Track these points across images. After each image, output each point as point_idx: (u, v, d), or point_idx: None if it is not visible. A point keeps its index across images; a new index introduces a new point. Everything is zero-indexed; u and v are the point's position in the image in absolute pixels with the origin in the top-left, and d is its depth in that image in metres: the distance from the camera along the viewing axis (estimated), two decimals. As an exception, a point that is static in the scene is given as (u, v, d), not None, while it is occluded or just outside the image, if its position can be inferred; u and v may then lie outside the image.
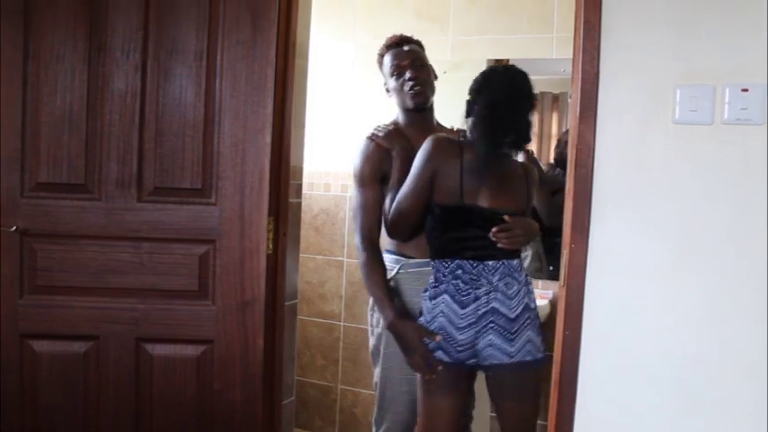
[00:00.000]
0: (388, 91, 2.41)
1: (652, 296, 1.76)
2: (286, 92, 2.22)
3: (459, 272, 2.09)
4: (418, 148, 2.19)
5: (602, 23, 1.76)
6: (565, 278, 1.83)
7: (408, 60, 2.33)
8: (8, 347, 2.11)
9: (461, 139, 2.16)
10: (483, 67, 2.75)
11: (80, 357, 2.13)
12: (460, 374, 2.15)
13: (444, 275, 2.11)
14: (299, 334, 2.85)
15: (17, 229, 2.09)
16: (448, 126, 2.44)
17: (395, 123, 2.40)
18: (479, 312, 2.06)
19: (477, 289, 2.07)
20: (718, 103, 1.68)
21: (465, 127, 2.18)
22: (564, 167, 2.40)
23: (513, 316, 2.07)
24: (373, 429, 2.42)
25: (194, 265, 2.13)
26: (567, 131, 2.93)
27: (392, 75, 2.36)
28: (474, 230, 2.10)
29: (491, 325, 2.06)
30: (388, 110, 3.15)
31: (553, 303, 2.87)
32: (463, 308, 2.07)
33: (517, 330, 2.07)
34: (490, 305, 2.06)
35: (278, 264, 2.24)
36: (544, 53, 2.92)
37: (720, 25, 1.68)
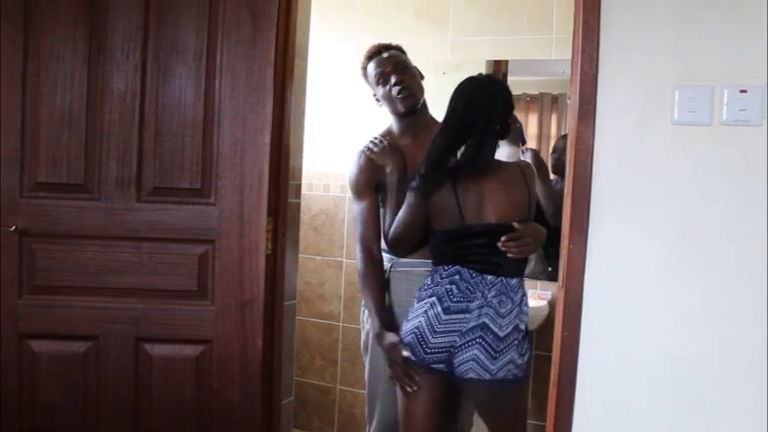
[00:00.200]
0: (378, 101, 2.42)
1: (651, 297, 1.76)
2: (285, 92, 2.22)
3: (457, 277, 2.09)
4: (416, 153, 2.22)
5: (601, 24, 1.76)
6: (563, 279, 1.83)
7: (390, 66, 2.34)
8: (7, 347, 2.11)
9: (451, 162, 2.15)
10: (483, 68, 2.77)
11: (79, 357, 2.13)
12: (434, 379, 2.15)
13: (441, 277, 2.11)
14: (297, 334, 2.85)
15: (17, 228, 2.09)
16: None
17: (389, 133, 2.41)
18: (469, 325, 2.06)
19: (470, 301, 2.07)
20: (716, 104, 1.68)
21: None
22: (562, 175, 2.40)
23: (502, 335, 2.05)
24: (367, 426, 2.45)
25: (193, 265, 2.13)
26: (563, 137, 2.93)
27: (377, 83, 2.37)
28: (478, 241, 2.10)
29: (478, 340, 2.05)
30: (388, 111, 3.16)
31: (552, 304, 2.87)
32: (447, 314, 2.07)
33: (503, 349, 2.05)
34: (481, 320, 2.06)
35: (277, 264, 2.24)
36: (543, 54, 2.92)
37: (719, 26, 1.68)
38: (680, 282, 1.73)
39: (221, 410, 2.15)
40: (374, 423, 2.39)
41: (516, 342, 2.07)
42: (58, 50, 2.07)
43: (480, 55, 3.02)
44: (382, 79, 2.35)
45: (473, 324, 2.05)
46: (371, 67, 2.38)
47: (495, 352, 2.04)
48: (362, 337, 2.45)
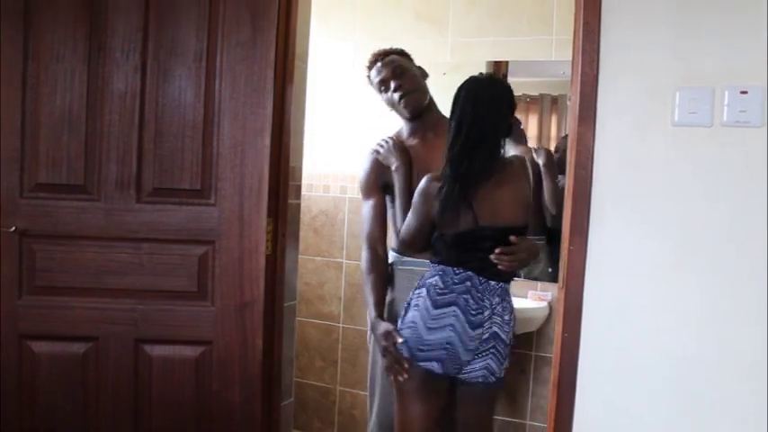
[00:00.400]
0: (389, 106, 2.42)
1: (651, 297, 1.76)
2: (286, 93, 2.23)
3: (468, 283, 2.08)
4: (424, 153, 2.24)
5: (602, 25, 1.76)
6: (564, 280, 1.83)
7: (389, 72, 2.35)
8: (7, 348, 2.11)
9: None
10: (483, 69, 2.77)
11: (79, 358, 2.13)
12: (443, 384, 2.15)
13: (455, 283, 2.08)
14: (297, 335, 2.85)
15: (16, 229, 2.09)
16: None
17: (397, 135, 2.42)
18: (484, 337, 2.08)
19: (482, 312, 2.07)
20: (717, 106, 1.68)
21: None
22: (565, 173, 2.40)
23: (507, 341, 2.13)
24: (369, 421, 2.48)
25: (193, 266, 2.13)
26: (564, 137, 2.93)
27: (380, 91, 2.39)
28: (486, 244, 2.08)
29: (492, 350, 2.09)
30: (387, 111, 3.16)
31: (552, 305, 2.87)
32: (473, 328, 2.06)
33: (508, 354, 2.14)
34: (492, 329, 2.08)
35: (277, 265, 2.24)
36: (543, 55, 2.92)
37: (719, 27, 1.68)
38: (680, 282, 1.73)
39: (221, 411, 2.15)
40: (372, 417, 2.41)
41: (511, 344, 2.15)
42: (57, 51, 2.07)
43: (480, 56, 3.02)
44: (383, 86, 2.37)
45: (486, 335, 2.08)
46: (372, 75, 2.40)
47: (504, 358, 2.12)
48: (368, 332, 2.46)
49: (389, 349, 2.13)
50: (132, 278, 2.12)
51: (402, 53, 2.43)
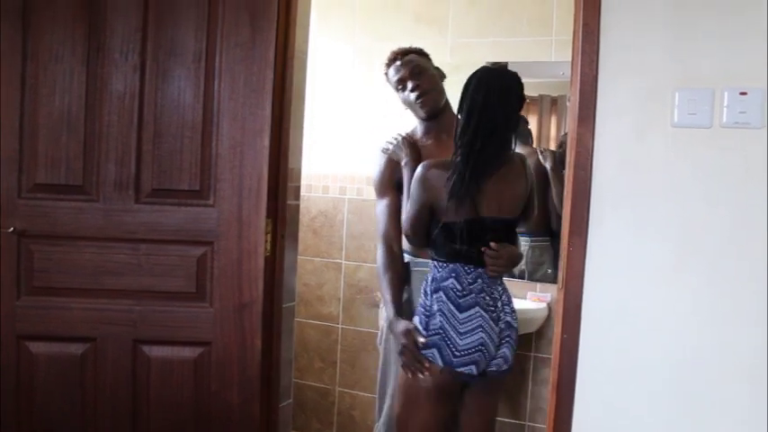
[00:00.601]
0: (404, 105, 2.42)
1: (651, 298, 1.75)
2: (285, 94, 2.22)
3: (481, 281, 2.07)
4: (437, 153, 2.23)
5: (601, 26, 1.76)
6: (563, 281, 1.83)
7: (407, 71, 2.34)
8: (5, 349, 2.11)
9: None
10: (484, 65, 2.75)
11: (77, 359, 2.12)
12: (456, 387, 2.13)
13: (470, 283, 2.06)
14: (296, 336, 2.84)
15: (15, 230, 2.08)
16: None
17: (411, 134, 2.42)
18: (502, 327, 2.09)
19: (496, 304, 2.08)
20: (716, 107, 1.68)
21: None
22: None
23: (517, 327, 2.15)
24: (376, 421, 2.46)
25: (192, 267, 2.12)
26: (566, 134, 2.93)
27: (397, 90, 2.39)
28: (488, 236, 2.08)
29: (507, 339, 2.10)
30: (386, 112, 3.16)
31: (551, 306, 2.86)
32: (496, 324, 2.07)
33: (516, 340, 2.14)
34: (505, 318, 2.09)
35: (276, 266, 2.24)
36: (543, 56, 2.92)
37: (719, 29, 1.68)
38: (680, 283, 1.73)
39: (220, 412, 2.15)
40: (382, 419, 2.38)
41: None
42: (56, 51, 2.07)
43: (480, 57, 3.01)
44: (400, 85, 2.36)
45: (502, 326, 2.08)
46: (391, 73, 2.40)
47: (514, 344, 2.14)
48: (379, 334, 2.46)
49: (409, 347, 2.08)
50: (131, 279, 2.12)
51: (421, 53, 2.43)
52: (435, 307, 2.07)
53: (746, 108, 1.65)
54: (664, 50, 1.72)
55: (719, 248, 1.70)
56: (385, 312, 2.30)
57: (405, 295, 2.31)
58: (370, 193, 3.20)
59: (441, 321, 2.05)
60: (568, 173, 1.83)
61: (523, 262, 2.83)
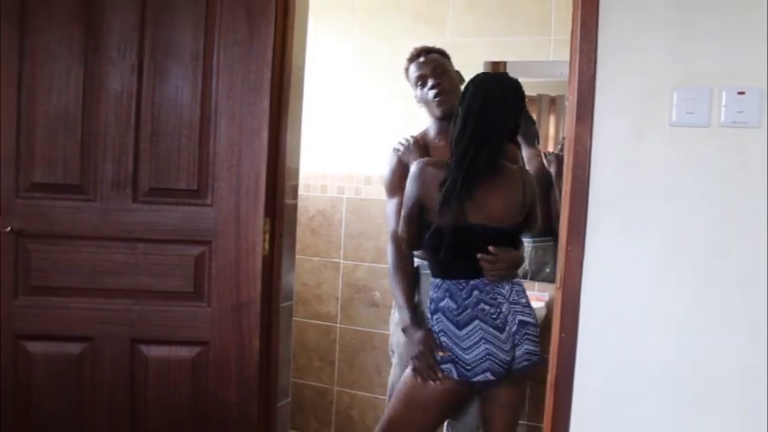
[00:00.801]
0: (418, 102, 2.44)
1: (649, 297, 1.75)
2: (283, 92, 2.21)
3: (477, 293, 2.07)
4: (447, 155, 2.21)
5: (599, 25, 1.75)
6: (561, 280, 1.83)
7: (429, 69, 2.36)
8: (3, 349, 2.10)
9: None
10: (481, 69, 2.76)
11: (75, 359, 2.12)
12: (462, 398, 2.15)
13: (465, 299, 2.07)
14: (295, 336, 2.84)
15: (12, 229, 2.08)
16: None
17: (424, 134, 2.44)
18: (513, 330, 2.08)
19: (500, 309, 2.07)
20: (714, 106, 1.68)
21: None
22: None
23: (534, 322, 2.14)
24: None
25: (190, 267, 2.12)
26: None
27: (416, 85, 2.41)
28: (476, 247, 2.08)
29: (526, 336, 2.10)
30: (385, 111, 3.16)
31: (549, 306, 2.86)
32: (501, 332, 2.06)
33: (538, 333, 2.14)
34: (516, 318, 2.09)
35: (274, 265, 2.23)
36: (542, 55, 2.92)
37: (717, 28, 1.68)
38: (678, 282, 1.73)
39: (218, 412, 2.14)
40: None
41: (540, 321, 2.19)
42: (53, 50, 2.06)
43: (478, 56, 3.01)
44: (420, 82, 2.38)
45: (515, 327, 2.08)
46: (412, 69, 2.42)
47: (536, 338, 2.14)
48: (390, 338, 2.48)
49: (426, 354, 2.08)
50: (128, 278, 2.12)
51: (443, 53, 2.45)
52: (437, 328, 2.09)
53: (744, 107, 1.65)
54: (662, 50, 1.72)
55: (717, 247, 1.69)
56: (398, 316, 2.31)
57: (416, 297, 2.32)
58: (369, 192, 3.21)
59: (446, 341, 2.06)
60: (566, 172, 1.83)
61: (527, 262, 2.83)
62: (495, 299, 2.08)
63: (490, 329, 2.05)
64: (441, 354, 2.06)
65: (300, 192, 2.56)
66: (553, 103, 3.05)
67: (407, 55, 2.44)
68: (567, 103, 2.10)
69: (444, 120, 2.36)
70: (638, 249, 1.75)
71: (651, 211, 1.74)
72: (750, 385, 1.67)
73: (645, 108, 1.74)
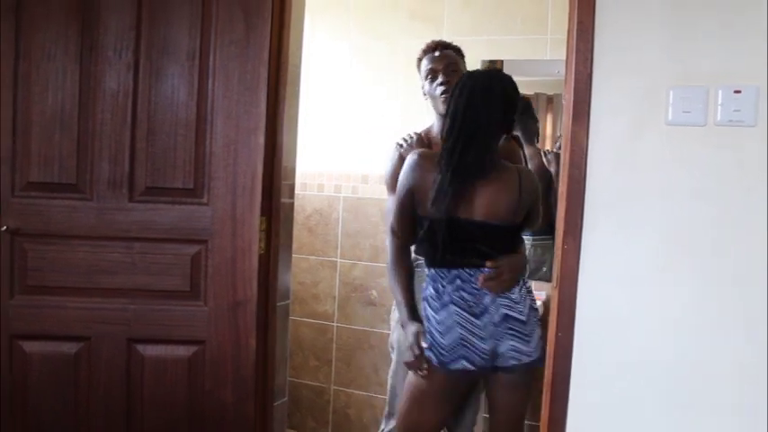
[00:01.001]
0: (425, 95, 2.45)
1: (645, 296, 1.75)
2: (279, 92, 2.22)
3: (459, 282, 2.08)
4: None
5: (596, 25, 1.75)
6: (557, 279, 1.83)
7: (442, 65, 2.37)
8: (-1, 348, 2.10)
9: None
10: (477, 68, 2.76)
11: (71, 358, 2.12)
12: (463, 384, 2.15)
13: (443, 286, 2.09)
14: (291, 335, 2.84)
15: (8, 228, 2.08)
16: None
17: (428, 131, 2.45)
18: (495, 321, 2.07)
19: (481, 300, 2.07)
20: (711, 105, 1.68)
21: None
22: None
23: (524, 318, 2.09)
24: (382, 424, 2.48)
25: (186, 266, 2.12)
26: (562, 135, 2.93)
27: (426, 78, 2.41)
28: (470, 241, 2.08)
29: (510, 331, 2.07)
30: (382, 110, 3.16)
31: (546, 305, 2.86)
32: (478, 318, 2.06)
33: (530, 331, 2.09)
34: (500, 312, 2.07)
35: (270, 264, 2.23)
36: (538, 54, 2.92)
37: (714, 27, 1.68)
38: (674, 282, 1.73)
39: (214, 411, 2.14)
40: (392, 422, 2.41)
41: (537, 320, 2.12)
42: (49, 49, 2.06)
43: (475, 55, 3.01)
44: (431, 75, 2.39)
45: (497, 319, 2.06)
46: (425, 61, 2.42)
47: (527, 336, 2.09)
48: (391, 336, 2.48)
49: (413, 345, 2.12)
50: (124, 277, 2.11)
51: (459, 51, 2.46)
52: (423, 314, 2.13)
53: (740, 106, 1.65)
54: (659, 49, 1.72)
55: (713, 245, 1.70)
56: (397, 314, 2.32)
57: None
58: (366, 191, 3.21)
59: (428, 326, 2.10)
60: (563, 171, 1.83)
61: (526, 262, 2.83)
62: (479, 289, 2.07)
63: (465, 314, 2.05)
64: (424, 345, 2.09)
65: (297, 190, 2.56)
66: (550, 101, 3.05)
67: (423, 46, 2.45)
68: (563, 102, 2.10)
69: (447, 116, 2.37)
70: (634, 248, 1.76)
71: (648, 209, 1.74)
72: (747, 385, 1.67)
73: (641, 107, 1.74)
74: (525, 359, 2.09)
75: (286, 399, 2.52)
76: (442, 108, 2.35)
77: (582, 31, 1.76)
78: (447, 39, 3.03)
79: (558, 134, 2.98)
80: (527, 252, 2.88)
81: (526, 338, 2.09)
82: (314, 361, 3.43)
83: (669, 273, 1.73)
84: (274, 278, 2.26)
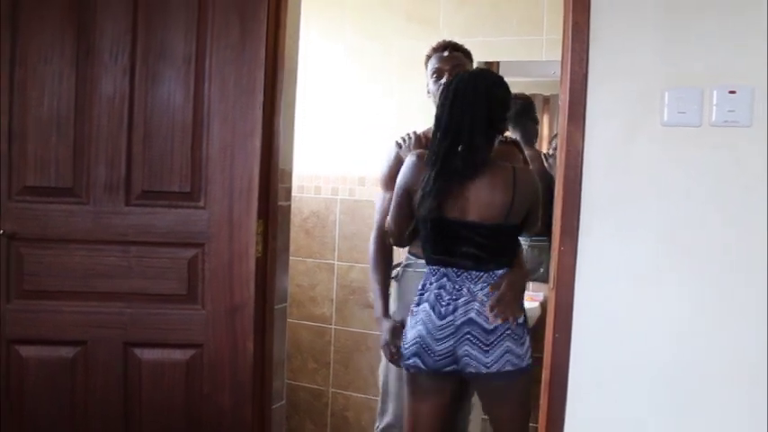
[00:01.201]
0: (428, 93, 2.45)
1: (643, 297, 1.75)
2: (275, 95, 2.21)
3: (444, 280, 2.10)
4: None
5: (591, 26, 1.76)
6: (554, 280, 1.83)
7: (449, 66, 2.37)
8: (-4, 353, 2.10)
9: None
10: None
11: (68, 362, 2.11)
12: (441, 382, 2.14)
13: (431, 283, 2.12)
14: (289, 337, 2.84)
15: (4, 233, 2.07)
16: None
17: (427, 131, 2.43)
18: (457, 323, 2.06)
19: (457, 300, 2.07)
20: (706, 106, 1.68)
21: None
22: None
23: (489, 327, 2.04)
24: (377, 421, 2.49)
25: (183, 269, 2.12)
26: (556, 135, 2.93)
27: (431, 77, 2.42)
28: (458, 240, 2.09)
29: (467, 336, 2.05)
30: (378, 111, 3.16)
31: (544, 306, 2.86)
32: (441, 319, 2.07)
33: (493, 342, 2.04)
34: (468, 315, 2.06)
35: (267, 267, 2.23)
36: (534, 55, 2.92)
37: (709, 28, 1.68)
38: (671, 282, 1.73)
39: (212, 415, 2.14)
40: (386, 419, 2.44)
41: (509, 332, 2.04)
42: (45, 53, 2.06)
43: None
44: (436, 75, 2.39)
45: (461, 321, 2.06)
46: (433, 60, 2.43)
47: (486, 345, 2.04)
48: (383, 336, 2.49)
49: (388, 342, 2.27)
50: (121, 281, 2.11)
51: (467, 54, 2.46)
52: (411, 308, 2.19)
53: (735, 106, 1.66)
54: (654, 50, 1.72)
55: (710, 245, 1.70)
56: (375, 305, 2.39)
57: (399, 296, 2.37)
58: (363, 193, 3.21)
59: (408, 321, 2.17)
60: (558, 173, 1.83)
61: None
62: (461, 290, 2.08)
63: (431, 314, 2.08)
64: (399, 343, 2.19)
65: (294, 193, 2.56)
66: (546, 102, 3.05)
67: (434, 44, 2.45)
68: (560, 103, 2.10)
69: None
70: (631, 249, 1.76)
71: (644, 210, 1.74)
72: (745, 385, 1.67)
73: (636, 108, 1.74)
74: (483, 370, 2.04)
75: (284, 402, 2.52)
76: None
77: (577, 32, 1.77)
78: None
79: (554, 134, 2.98)
80: (524, 254, 2.88)
81: (484, 348, 2.04)
82: (312, 364, 3.43)
83: (666, 273, 1.73)
84: (272, 281, 2.26)
